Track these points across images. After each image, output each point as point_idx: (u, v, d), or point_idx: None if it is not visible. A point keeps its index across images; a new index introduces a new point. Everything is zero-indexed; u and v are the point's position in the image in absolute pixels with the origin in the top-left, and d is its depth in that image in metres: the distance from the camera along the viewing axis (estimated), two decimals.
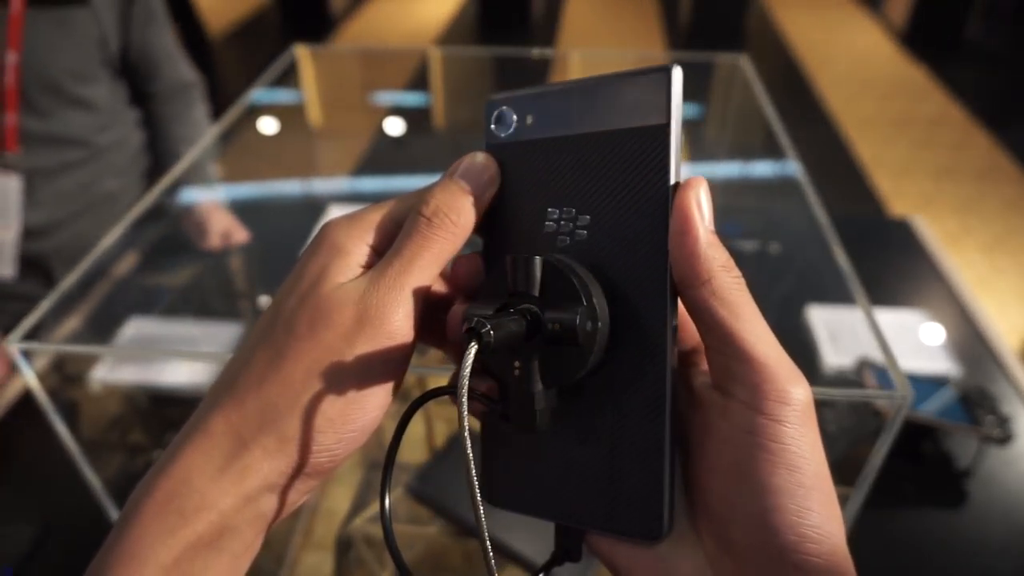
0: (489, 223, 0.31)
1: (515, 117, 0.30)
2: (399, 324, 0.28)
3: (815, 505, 0.24)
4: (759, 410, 0.25)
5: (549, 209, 0.29)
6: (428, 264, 0.29)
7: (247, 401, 0.27)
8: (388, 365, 0.28)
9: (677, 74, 0.27)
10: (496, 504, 0.31)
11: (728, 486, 0.26)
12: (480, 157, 0.31)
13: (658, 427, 0.27)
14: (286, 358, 0.27)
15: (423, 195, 0.30)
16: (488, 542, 0.24)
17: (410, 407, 0.28)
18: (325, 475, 0.29)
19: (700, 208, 0.26)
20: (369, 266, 0.29)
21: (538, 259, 0.27)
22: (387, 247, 0.30)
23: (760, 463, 0.25)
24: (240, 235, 1.28)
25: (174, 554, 0.26)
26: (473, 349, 0.24)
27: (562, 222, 0.29)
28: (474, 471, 0.24)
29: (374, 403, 0.28)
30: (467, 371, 0.24)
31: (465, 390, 0.24)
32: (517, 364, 0.27)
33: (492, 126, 0.31)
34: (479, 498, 0.24)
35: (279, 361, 0.27)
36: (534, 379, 0.27)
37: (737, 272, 0.27)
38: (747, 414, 0.25)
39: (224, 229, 1.28)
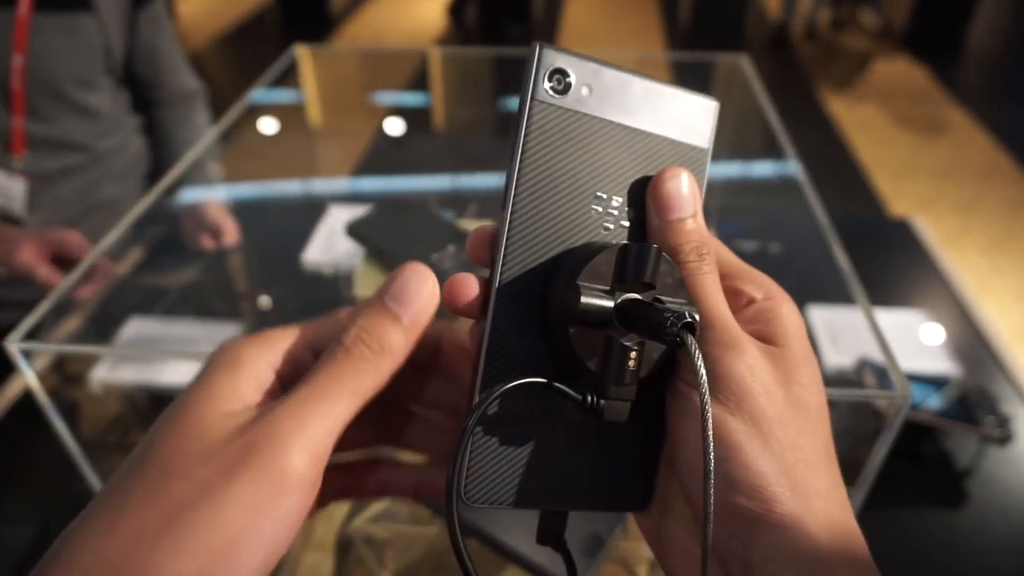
0: (526, 186, 0.27)
1: (573, 81, 0.27)
2: (296, 463, 0.23)
3: (771, 458, 0.25)
4: (710, 359, 0.26)
5: (599, 192, 0.28)
6: (342, 399, 0.24)
7: (83, 557, 0.21)
8: (277, 513, 0.22)
9: (717, 109, 0.30)
10: (476, 503, 0.29)
11: (688, 448, 0.27)
12: (418, 275, 0.27)
13: (649, 422, 0.29)
14: (146, 497, 0.22)
15: (349, 319, 0.26)
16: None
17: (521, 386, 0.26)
18: None
19: (676, 194, 0.28)
20: (270, 394, 0.25)
21: (655, 248, 0.26)
22: (295, 376, 0.26)
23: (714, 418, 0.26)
24: (230, 236, 1.26)
25: None
26: (694, 346, 0.24)
27: (611, 209, 0.29)
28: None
29: (250, 562, 0.22)
30: (702, 368, 0.24)
31: (707, 390, 0.24)
32: (633, 356, 0.26)
33: (546, 83, 0.27)
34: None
35: (136, 502, 0.22)
36: (638, 372, 0.26)
37: (706, 250, 0.28)
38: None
39: (214, 225, 1.25)
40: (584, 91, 0.28)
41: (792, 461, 0.25)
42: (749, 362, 0.26)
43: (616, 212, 0.29)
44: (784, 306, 0.29)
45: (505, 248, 0.27)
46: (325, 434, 0.24)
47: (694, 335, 0.25)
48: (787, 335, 0.28)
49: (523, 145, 0.27)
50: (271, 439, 0.23)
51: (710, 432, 0.24)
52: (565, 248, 0.28)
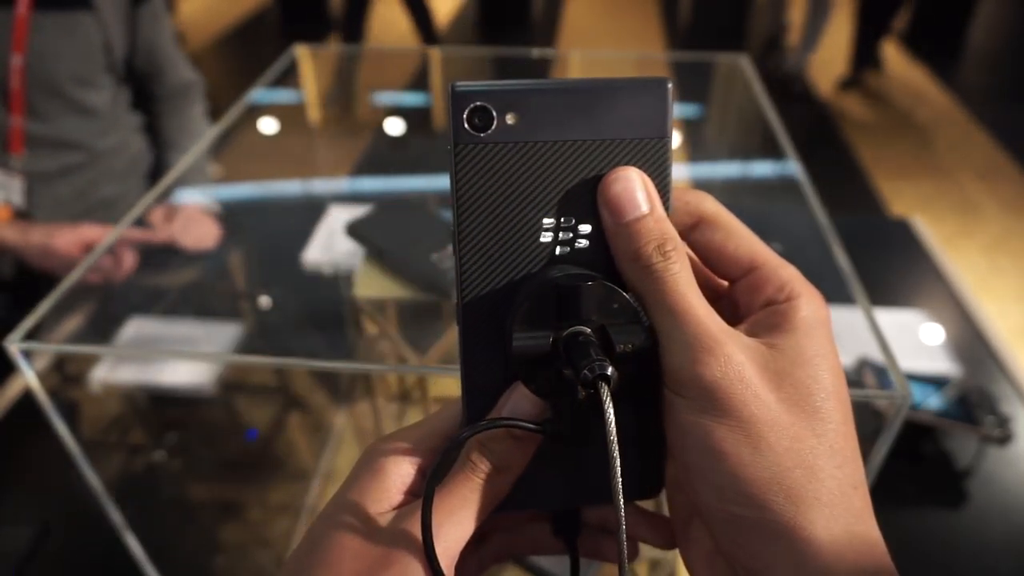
0: (469, 230, 0.27)
1: (494, 114, 0.27)
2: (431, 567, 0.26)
3: (763, 464, 0.24)
4: (687, 363, 0.26)
5: (545, 220, 0.28)
6: (468, 512, 0.27)
7: None
8: None
9: (671, 88, 0.28)
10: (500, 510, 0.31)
11: (676, 453, 0.27)
12: (524, 394, 0.28)
13: (648, 412, 0.29)
14: None
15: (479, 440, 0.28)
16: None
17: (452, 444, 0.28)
18: None
19: (629, 194, 0.27)
20: (413, 492, 0.28)
21: (590, 284, 0.26)
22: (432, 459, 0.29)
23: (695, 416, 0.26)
24: (209, 240, 1.24)
25: None
26: (607, 396, 0.24)
27: (560, 232, 0.28)
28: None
29: None
30: (611, 415, 0.24)
31: (614, 438, 0.24)
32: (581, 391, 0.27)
33: (466, 123, 0.27)
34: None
35: None
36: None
37: (671, 247, 0.27)
38: (683, 373, 0.26)
39: (198, 229, 1.24)
40: (509, 119, 0.27)
41: (787, 467, 0.24)
42: (727, 364, 0.25)
43: (572, 233, 0.28)
44: (801, 306, 0.27)
45: (461, 292, 0.28)
46: (455, 543, 0.27)
47: (609, 386, 0.25)
48: (789, 332, 0.26)
49: (456, 191, 0.27)
50: (410, 548, 0.25)
51: (618, 482, 0.24)
52: (521, 280, 0.28)
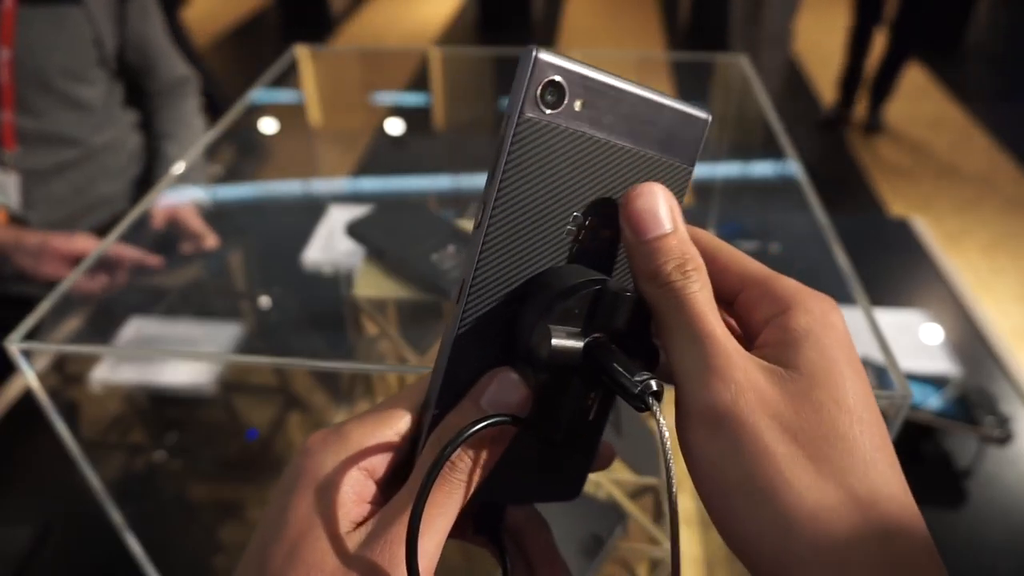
0: (503, 205, 0.26)
1: (567, 95, 0.25)
2: None
3: (773, 509, 0.22)
4: (707, 385, 0.24)
5: (574, 212, 0.27)
6: (449, 512, 0.26)
7: None
8: None
9: (710, 124, 0.28)
10: None
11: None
12: (513, 383, 0.27)
13: (595, 430, 0.30)
14: None
15: (444, 427, 0.26)
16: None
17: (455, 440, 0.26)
18: None
19: (652, 213, 0.26)
20: (374, 502, 0.26)
21: (629, 295, 0.26)
22: (385, 468, 0.26)
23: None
24: (209, 241, 1.24)
25: None
26: (660, 417, 0.24)
27: (583, 230, 0.27)
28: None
29: None
30: (666, 436, 0.24)
31: (670, 457, 0.24)
32: (592, 396, 0.28)
33: (538, 96, 0.24)
34: None
35: None
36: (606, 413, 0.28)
37: (692, 267, 0.26)
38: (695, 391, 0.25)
39: (191, 233, 1.24)
40: (577, 105, 0.25)
41: (808, 513, 0.22)
42: (743, 389, 0.23)
43: (593, 233, 0.28)
44: (798, 315, 0.26)
45: (476, 267, 0.26)
46: (435, 547, 0.25)
47: (659, 401, 0.24)
48: (794, 347, 0.25)
49: (505, 162, 0.25)
50: (392, 562, 0.24)
51: (675, 501, 0.23)
52: (537, 271, 0.27)
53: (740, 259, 0.28)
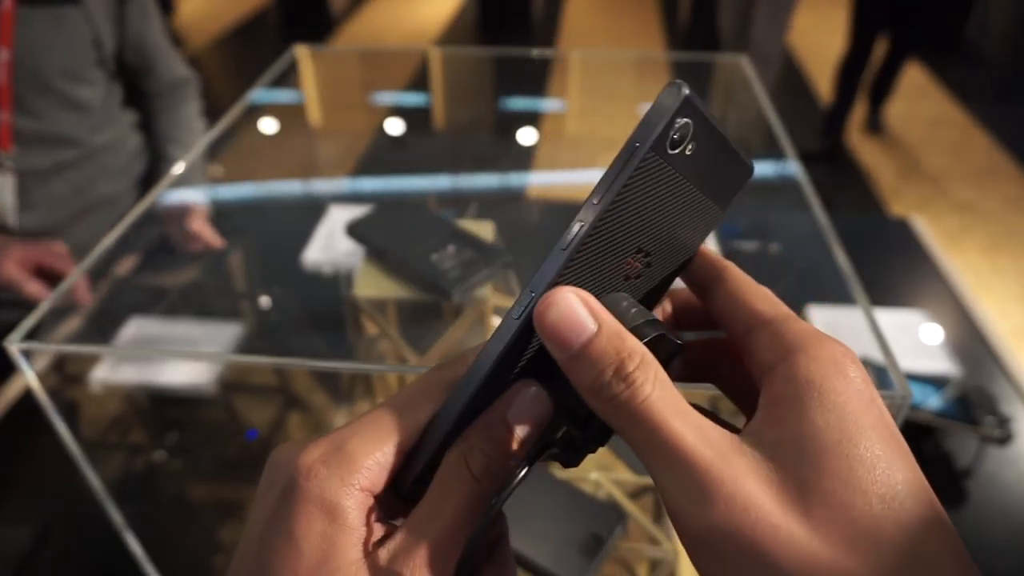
0: (601, 231, 0.25)
1: (689, 137, 0.24)
2: None
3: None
4: (691, 504, 0.22)
5: (641, 245, 0.27)
6: (472, 524, 0.24)
7: None
8: None
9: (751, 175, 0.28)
10: (407, 496, 0.28)
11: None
12: (538, 395, 0.25)
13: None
14: None
15: (466, 442, 0.25)
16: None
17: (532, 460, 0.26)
18: None
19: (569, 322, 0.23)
20: (378, 521, 0.25)
21: (680, 344, 0.26)
22: (385, 482, 0.25)
23: None
24: (213, 243, 1.25)
25: None
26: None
27: (641, 264, 0.27)
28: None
29: None
30: None
31: None
32: None
33: (671, 134, 0.24)
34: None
35: None
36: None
37: (632, 366, 0.22)
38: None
39: (195, 235, 1.23)
40: (689, 149, 0.25)
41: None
42: (732, 504, 0.20)
43: (647, 268, 0.28)
44: (802, 365, 0.23)
45: (553, 282, 0.25)
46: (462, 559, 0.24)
47: None
48: (795, 408, 0.22)
49: (620, 191, 0.24)
50: None
51: None
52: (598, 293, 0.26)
53: (751, 296, 0.26)
